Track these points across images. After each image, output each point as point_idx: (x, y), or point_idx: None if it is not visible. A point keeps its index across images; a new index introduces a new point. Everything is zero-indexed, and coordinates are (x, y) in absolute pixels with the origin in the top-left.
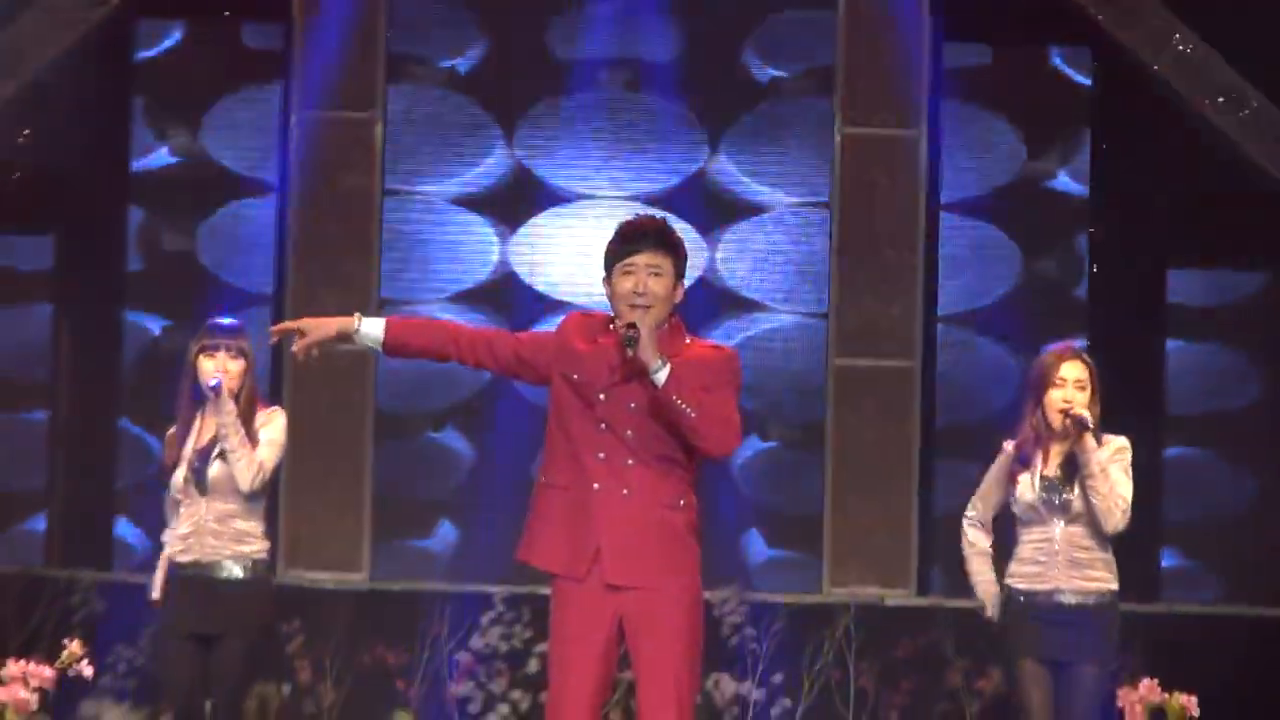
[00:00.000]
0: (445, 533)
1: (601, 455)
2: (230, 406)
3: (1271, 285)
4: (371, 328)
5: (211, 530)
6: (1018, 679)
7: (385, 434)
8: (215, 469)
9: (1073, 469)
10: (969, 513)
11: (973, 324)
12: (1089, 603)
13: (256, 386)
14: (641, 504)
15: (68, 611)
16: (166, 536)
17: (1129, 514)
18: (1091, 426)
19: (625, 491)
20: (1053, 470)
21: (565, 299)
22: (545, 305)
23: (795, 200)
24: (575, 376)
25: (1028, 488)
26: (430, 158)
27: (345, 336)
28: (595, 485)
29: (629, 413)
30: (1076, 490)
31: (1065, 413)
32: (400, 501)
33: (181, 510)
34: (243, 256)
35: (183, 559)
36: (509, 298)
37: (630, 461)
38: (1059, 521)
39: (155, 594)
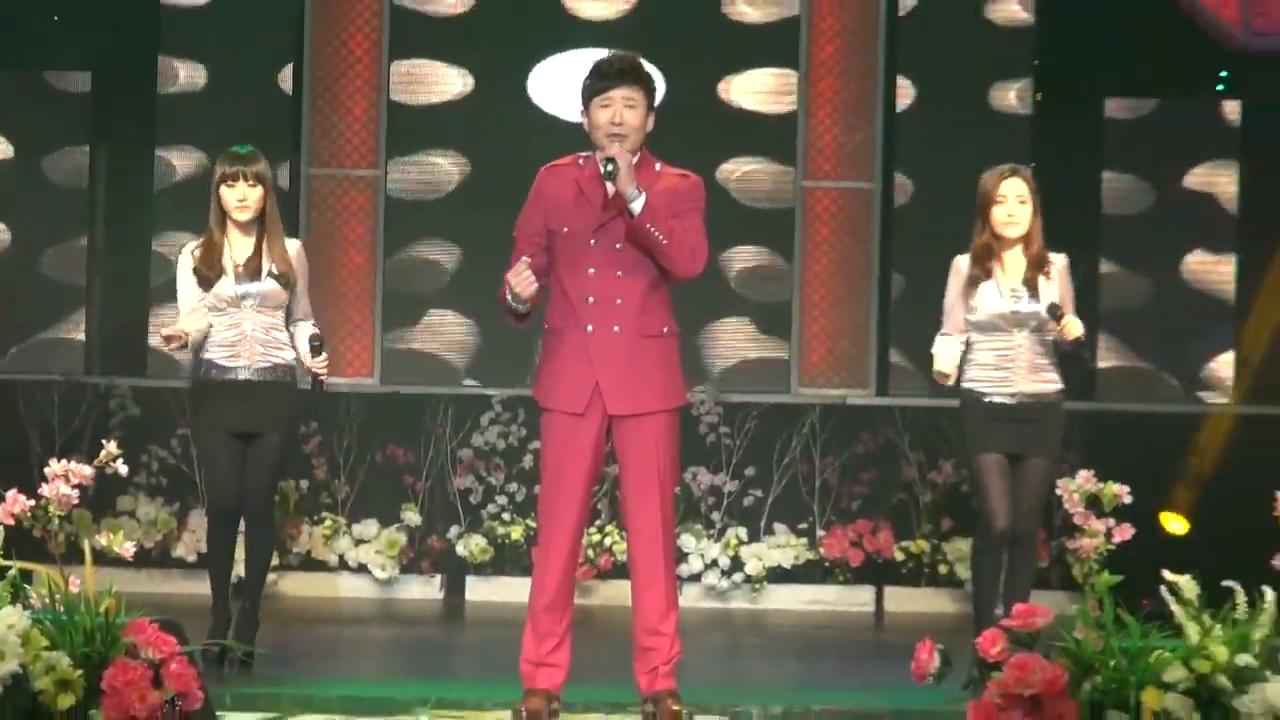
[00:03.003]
0: (451, 341)
1: (591, 300)
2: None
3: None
4: None
5: (259, 339)
6: (978, 469)
7: (394, 251)
8: (265, 285)
9: (1033, 284)
10: (942, 330)
11: (929, 149)
12: (1045, 401)
13: (276, 207)
14: (631, 339)
15: (106, 415)
16: (187, 325)
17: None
18: (1060, 314)
19: (616, 329)
20: (1016, 282)
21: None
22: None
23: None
24: (565, 230)
25: (994, 298)
26: None
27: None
28: (589, 327)
29: (616, 253)
30: (1040, 302)
31: (1050, 310)
32: (409, 312)
33: (221, 318)
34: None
35: (229, 364)
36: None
37: (619, 301)
38: (1020, 330)
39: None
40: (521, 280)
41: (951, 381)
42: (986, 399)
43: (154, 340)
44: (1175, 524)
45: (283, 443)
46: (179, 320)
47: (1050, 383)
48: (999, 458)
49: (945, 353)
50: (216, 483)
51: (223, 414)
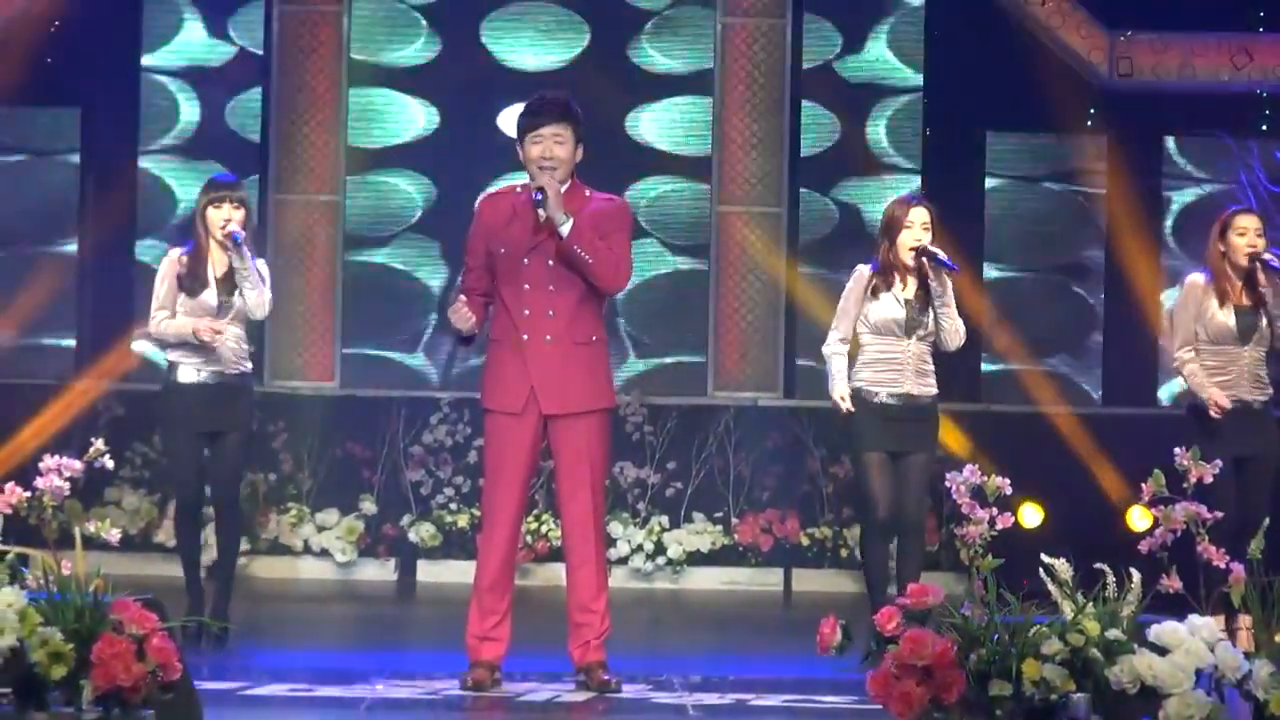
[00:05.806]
0: (403, 347)
1: (527, 312)
2: (248, 254)
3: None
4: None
5: (231, 349)
6: (862, 465)
7: (352, 268)
8: (239, 300)
9: (927, 296)
10: (834, 328)
11: (826, 178)
12: (925, 403)
13: (255, 229)
14: (563, 346)
15: (94, 415)
16: (164, 326)
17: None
18: (944, 259)
19: (548, 338)
20: (912, 294)
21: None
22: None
23: (688, 70)
24: (503, 250)
25: (892, 306)
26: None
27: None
28: (525, 336)
29: (548, 270)
30: (930, 314)
31: (920, 251)
32: (364, 323)
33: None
34: (236, 119)
35: (199, 368)
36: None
37: (551, 313)
38: (911, 338)
39: (205, 334)
40: (459, 318)
41: (847, 404)
42: (875, 398)
43: (139, 346)
44: (1033, 515)
45: (244, 440)
46: (153, 316)
47: (930, 387)
48: (881, 455)
49: (841, 380)
50: (182, 478)
51: (190, 414)
